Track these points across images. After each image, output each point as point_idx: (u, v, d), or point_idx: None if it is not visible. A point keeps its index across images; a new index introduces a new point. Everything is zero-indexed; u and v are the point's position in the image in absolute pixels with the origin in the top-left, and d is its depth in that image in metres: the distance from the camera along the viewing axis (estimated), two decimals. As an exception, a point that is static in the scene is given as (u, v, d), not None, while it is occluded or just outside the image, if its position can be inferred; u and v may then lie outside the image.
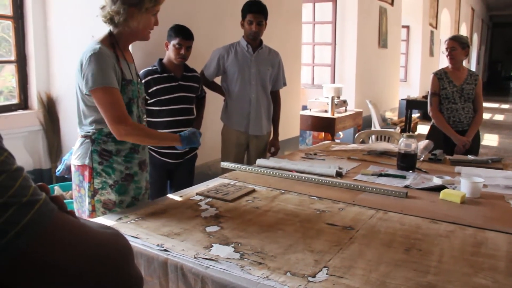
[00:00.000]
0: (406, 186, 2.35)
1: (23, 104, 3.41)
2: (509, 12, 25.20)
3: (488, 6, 24.86)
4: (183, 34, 2.92)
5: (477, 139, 3.82)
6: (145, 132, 2.09)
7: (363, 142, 4.35)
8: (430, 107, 3.84)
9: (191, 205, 2.01)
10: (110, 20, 2.04)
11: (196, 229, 1.71)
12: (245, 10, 3.30)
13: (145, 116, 2.27)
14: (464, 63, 3.82)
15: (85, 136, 2.07)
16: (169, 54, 2.95)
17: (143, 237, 1.62)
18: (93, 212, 2.10)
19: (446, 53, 3.79)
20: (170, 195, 2.19)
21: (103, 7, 2.03)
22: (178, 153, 3.00)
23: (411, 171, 2.67)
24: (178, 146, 2.20)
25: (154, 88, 2.89)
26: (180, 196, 2.14)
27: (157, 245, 1.55)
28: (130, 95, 2.09)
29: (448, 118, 3.78)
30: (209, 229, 1.71)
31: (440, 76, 3.83)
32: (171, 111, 2.94)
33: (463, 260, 1.49)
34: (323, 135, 6.19)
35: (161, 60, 2.99)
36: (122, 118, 1.95)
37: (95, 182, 2.08)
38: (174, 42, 2.90)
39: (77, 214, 2.13)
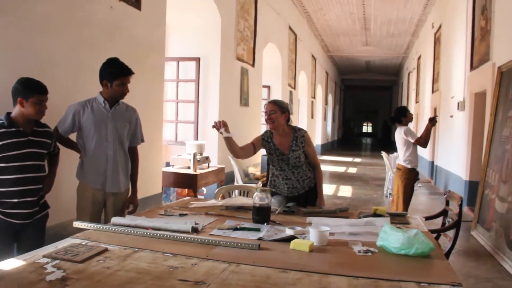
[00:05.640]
0: (259, 239, 2.43)
1: None
2: (356, 77, 28.49)
3: (340, 71, 27.60)
4: (40, 90, 2.82)
5: (314, 192, 3.68)
6: None
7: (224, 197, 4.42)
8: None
9: (35, 269, 1.88)
10: None
11: (37, 295, 1.60)
12: (116, 74, 3.24)
13: None
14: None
15: None
16: (25, 110, 2.79)
17: (-26, 307, 1.48)
18: None
19: (266, 117, 3.52)
20: (12, 259, 2.02)
21: None
22: (25, 213, 2.81)
23: (265, 223, 2.77)
24: None
25: (0, 143, 2.71)
26: (24, 260, 1.99)
27: (-10, 315, 1.42)
28: None
29: (284, 184, 3.62)
30: (53, 293, 1.61)
31: (267, 140, 3.61)
32: (18, 167, 2.76)
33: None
34: (186, 191, 6.19)
35: (8, 114, 2.82)
36: None
37: None
38: (32, 99, 2.78)
39: None
